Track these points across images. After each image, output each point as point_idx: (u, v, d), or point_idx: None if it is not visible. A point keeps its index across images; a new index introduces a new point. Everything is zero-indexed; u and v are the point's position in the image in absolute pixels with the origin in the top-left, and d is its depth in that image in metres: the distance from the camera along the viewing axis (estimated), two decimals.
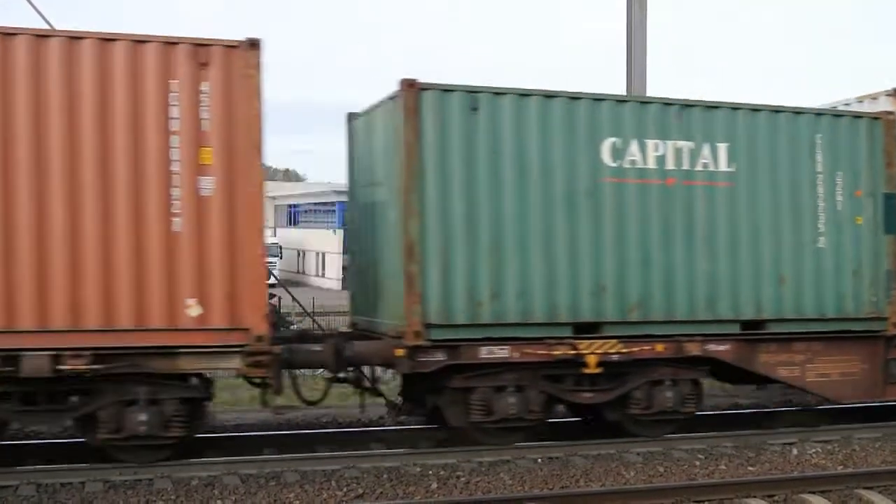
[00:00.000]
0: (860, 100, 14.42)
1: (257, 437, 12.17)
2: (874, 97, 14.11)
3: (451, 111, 11.10)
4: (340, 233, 64.47)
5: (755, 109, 12.37)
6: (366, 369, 12.09)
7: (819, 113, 12.83)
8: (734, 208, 12.20)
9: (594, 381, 11.76)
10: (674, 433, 12.16)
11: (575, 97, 11.60)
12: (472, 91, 11.19)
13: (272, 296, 11.25)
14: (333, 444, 11.83)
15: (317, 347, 11.13)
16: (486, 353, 11.21)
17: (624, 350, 11.61)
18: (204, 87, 10.26)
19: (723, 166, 12.17)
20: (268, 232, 25.81)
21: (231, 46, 10.32)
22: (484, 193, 11.20)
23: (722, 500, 9.38)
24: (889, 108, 13.25)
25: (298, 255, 65.09)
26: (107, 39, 10.04)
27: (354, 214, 13.06)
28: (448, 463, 10.65)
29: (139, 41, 10.13)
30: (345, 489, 9.60)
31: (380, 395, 12.33)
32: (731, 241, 12.19)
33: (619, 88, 16.08)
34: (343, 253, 59.71)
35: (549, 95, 11.51)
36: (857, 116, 13.01)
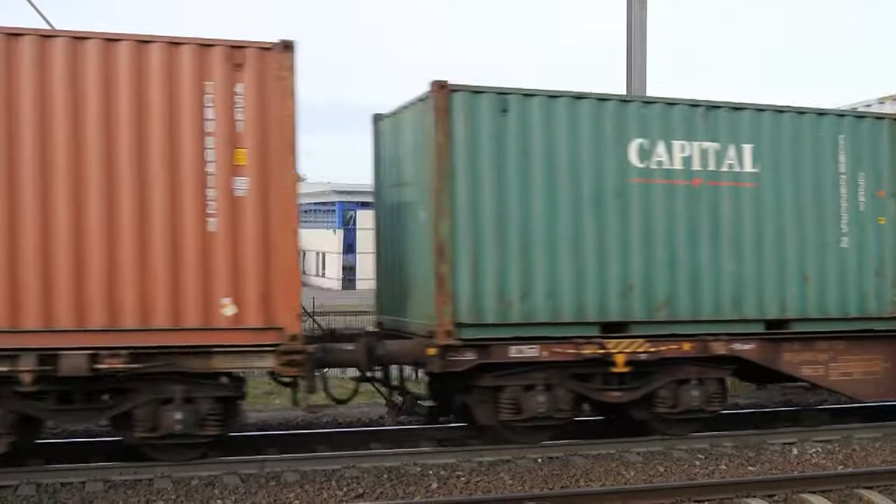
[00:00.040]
0: (882, 101, 14.48)
1: (258, 437, 12.10)
2: None
3: (480, 112, 11.12)
4: (340, 232, 64.51)
5: (780, 111, 12.39)
6: (392, 368, 12.14)
7: (842, 114, 12.87)
8: (759, 209, 12.22)
9: (621, 380, 11.77)
10: (698, 431, 12.21)
11: (603, 98, 11.63)
12: (501, 93, 11.21)
13: None
14: (335, 445, 11.77)
15: (349, 346, 11.14)
16: (516, 352, 11.23)
17: (651, 349, 11.63)
18: (238, 88, 10.26)
19: (748, 167, 12.20)
20: None
21: (265, 48, 10.31)
22: (513, 194, 11.22)
23: (722, 499, 9.34)
24: None
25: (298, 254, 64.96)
26: (143, 41, 10.04)
27: (381, 214, 13.08)
28: (448, 463, 10.63)
29: (175, 43, 10.13)
30: (345, 489, 9.57)
31: (407, 393, 12.36)
32: (756, 242, 12.21)
33: (619, 88, 16.01)
34: (343, 253, 59.74)
35: (578, 97, 11.54)
36: (880, 118, 13.04)
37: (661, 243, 11.81)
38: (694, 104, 12.02)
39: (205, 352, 10.20)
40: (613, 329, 11.65)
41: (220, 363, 10.34)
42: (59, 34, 9.89)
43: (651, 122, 11.80)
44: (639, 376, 11.80)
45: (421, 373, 12.74)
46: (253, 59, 10.30)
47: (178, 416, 10.17)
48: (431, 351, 10.92)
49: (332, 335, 11.83)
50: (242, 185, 10.26)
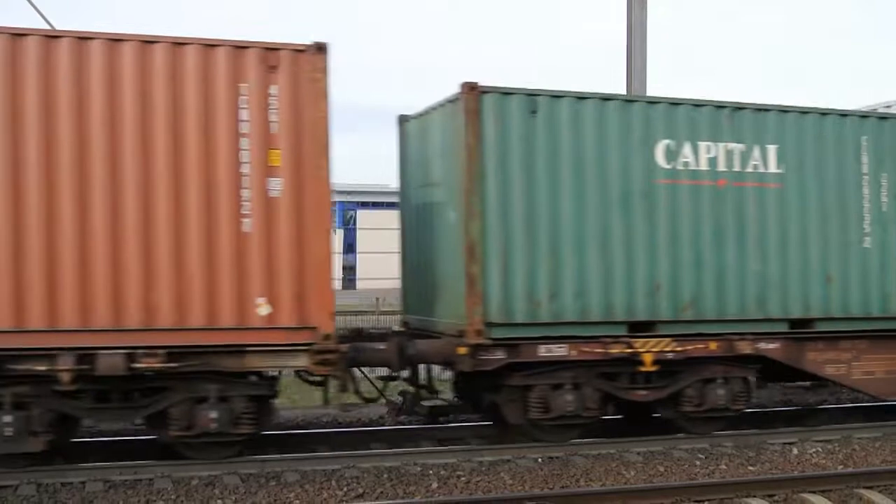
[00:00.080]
0: None
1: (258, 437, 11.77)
2: None
3: (510, 114, 11.15)
4: (340, 232, 64.53)
5: (804, 112, 12.41)
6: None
7: (864, 115, 12.90)
8: (783, 209, 12.24)
9: (648, 379, 11.80)
10: (723, 430, 12.24)
11: (630, 100, 11.70)
12: (531, 94, 11.23)
13: None
14: (335, 445, 11.69)
15: (381, 346, 11.17)
16: (545, 351, 11.25)
17: (678, 348, 11.65)
18: (272, 90, 10.28)
19: (772, 168, 12.23)
20: None
21: (299, 50, 10.32)
22: (542, 195, 11.25)
23: (722, 499, 9.29)
24: None
25: None
26: (179, 43, 10.06)
27: (406, 215, 13.10)
28: (448, 462, 10.57)
29: (210, 45, 10.14)
30: (345, 489, 9.52)
31: (436, 392, 12.39)
32: (780, 242, 12.23)
33: (620, 88, 15.95)
34: (343, 253, 59.72)
35: (606, 98, 11.57)
36: None
37: (688, 244, 11.83)
38: (720, 105, 12.04)
39: (239, 351, 10.21)
40: (640, 328, 11.67)
41: (254, 362, 10.36)
42: (97, 36, 9.89)
43: (677, 123, 11.82)
44: (665, 375, 11.81)
45: (443, 372, 12.79)
46: (287, 60, 10.31)
47: (214, 414, 10.18)
48: (462, 350, 10.94)
49: (360, 334, 11.86)
50: (276, 185, 10.27)
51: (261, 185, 10.23)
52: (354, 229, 61.68)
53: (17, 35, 9.69)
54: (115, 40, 9.91)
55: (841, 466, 10.84)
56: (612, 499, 9.19)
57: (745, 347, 11.98)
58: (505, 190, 11.11)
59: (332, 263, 10.46)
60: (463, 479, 9.98)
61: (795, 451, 11.46)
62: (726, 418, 12.23)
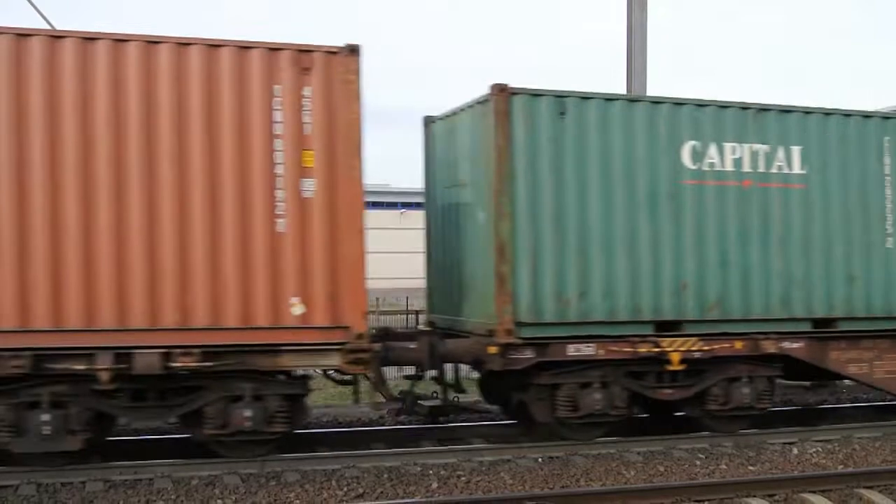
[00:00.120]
0: None
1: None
2: None
3: (539, 115, 11.16)
4: None
5: (827, 113, 12.42)
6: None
7: (887, 117, 12.89)
8: (807, 210, 12.26)
9: (674, 378, 11.83)
10: (747, 428, 12.26)
11: (657, 101, 11.68)
12: (559, 96, 11.25)
13: None
14: (335, 445, 11.60)
15: (412, 345, 11.20)
16: (574, 350, 11.27)
17: (705, 347, 11.67)
18: (306, 91, 10.29)
19: (796, 169, 12.24)
20: None
21: (332, 52, 10.34)
22: (571, 195, 11.26)
23: (722, 499, 9.25)
24: None
25: None
26: (214, 45, 10.08)
27: (432, 215, 13.11)
28: (448, 462, 10.56)
29: (245, 47, 10.16)
30: (345, 489, 9.48)
31: (463, 391, 12.42)
32: (804, 242, 12.25)
33: (620, 89, 15.90)
34: None
35: (633, 100, 11.62)
36: None
37: (713, 244, 11.85)
38: (744, 107, 12.06)
39: (273, 350, 10.23)
40: (667, 328, 11.69)
41: (288, 361, 10.37)
42: (133, 38, 9.91)
43: (703, 124, 11.84)
44: (692, 374, 11.83)
45: (470, 371, 12.81)
46: (320, 62, 10.33)
47: (248, 413, 10.20)
48: (492, 349, 10.96)
49: (387, 334, 11.88)
50: (310, 186, 10.29)
51: (294, 186, 10.25)
52: None
53: (55, 37, 9.79)
54: (153, 43, 9.93)
55: (841, 466, 10.81)
56: (613, 499, 9.16)
57: (769, 347, 12.00)
58: (534, 190, 11.13)
59: (364, 263, 10.48)
60: (463, 478, 9.94)
61: (795, 450, 11.43)
62: (751, 417, 12.24)
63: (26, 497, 9.07)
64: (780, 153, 12.18)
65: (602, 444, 11.42)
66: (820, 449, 11.51)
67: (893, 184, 12.70)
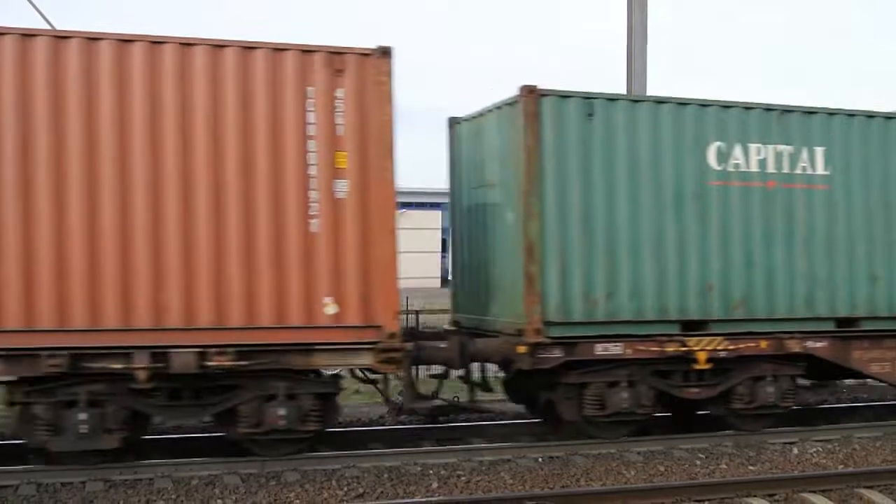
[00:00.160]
0: None
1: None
2: None
3: (568, 116, 11.17)
4: None
5: (850, 115, 12.43)
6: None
7: None
8: (830, 210, 12.27)
9: (699, 377, 11.84)
10: (772, 427, 12.28)
11: (683, 103, 11.68)
12: (587, 97, 11.26)
13: None
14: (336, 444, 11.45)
15: (442, 344, 11.21)
16: (602, 349, 11.28)
17: (731, 347, 11.69)
18: (339, 93, 10.29)
19: (819, 169, 12.25)
20: None
21: (364, 54, 10.35)
22: (599, 196, 11.27)
23: (722, 499, 9.19)
24: None
25: None
26: (248, 47, 10.08)
27: (457, 216, 13.12)
28: (449, 462, 10.50)
29: (278, 49, 10.17)
30: (345, 488, 9.42)
31: (490, 390, 12.44)
32: (827, 242, 12.25)
33: (620, 89, 15.86)
34: None
35: (659, 101, 11.60)
36: None
37: (738, 244, 11.86)
38: (769, 108, 12.08)
39: (307, 349, 10.24)
40: (692, 327, 11.70)
41: (321, 360, 10.38)
42: (168, 40, 9.93)
43: (728, 125, 11.86)
44: (717, 373, 11.84)
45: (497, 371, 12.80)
46: (353, 64, 10.34)
47: (282, 411, 10.20)
48: (522, 349, 10.97)
49: (414, 334, 11.88)
50: (343, 187, 10.30)
51: (328, 187, 10.26)
52: None
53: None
54: (187, 45, 9.93)
55: (841, 466, 10.76)
56: (613, 498, 9.11)
57: (794, 346, 12.02)
58: (563, 191, 11.14)
59: (396, 264, 10.49)
60: (463, 478, 9.88)
61: (796, 450, 11.38)
62: (775, 415, 12.26)
63: (26, 497, 9.01)
64: (804, 154, 12.19)
65: (602, 444, 11.38)
66: (820, 449, 11.45)
67: None
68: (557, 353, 11.18)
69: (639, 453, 11.05)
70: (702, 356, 11.53)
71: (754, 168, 11.96)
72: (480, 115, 12.33)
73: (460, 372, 11.91)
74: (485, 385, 12.33)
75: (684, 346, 11.49)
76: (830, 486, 9.56)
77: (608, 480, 9.93)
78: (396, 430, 12.40)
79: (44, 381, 9.64)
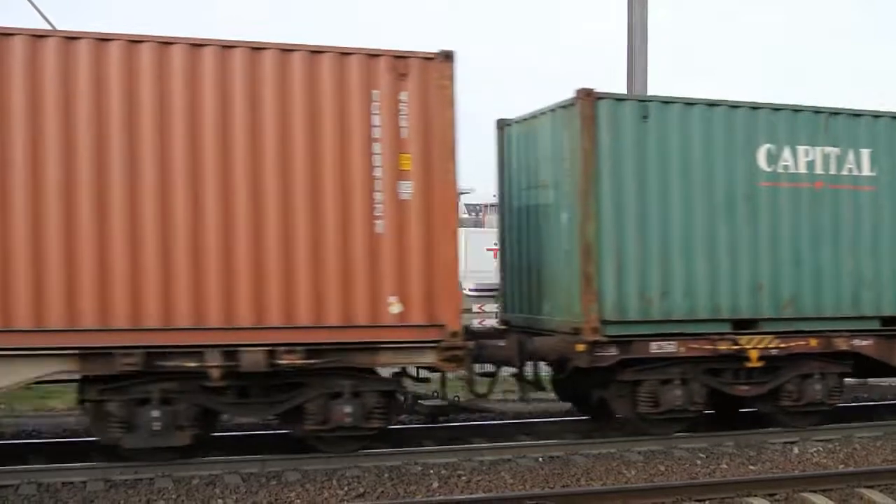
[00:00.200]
0: None
1: (259, 436, 11.80)
2: None
3: (623, 119, 11.28)
4: None
5: (894, 117, 12.57)
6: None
7: None
8: (876, 211, 12.36)
9: (749, 375, 11.95)
10: (818, 424, 12.39)
11: (735, 105, 11.77)
12: (642, 100, 11.42)
13: None
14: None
15: (501, 343, 11.32)
16: (656, 347, 11.38)
17: (781, 345, 11.79)
18: (402, 96, 10.39)
19: (865, 171, 12.35)
20: None
21: (428, 58, 10.46)
22: (653, 197, 11.38)
23: (723, 498, 9.11)
24: None
25: None
26: (315, 52, 10.19)
27: (507, 216, 13.21)
28: (449, 462, 10.45)
29: (344, 53, 10.27)
30: (346, 488, 9.35)
31: (542, 388, 12.55)
32: (873, 242, 12.34)
33: (621, 89, 15.75)
34: None
35: (712, 104, 11.70)
36: None
37: (787, 244, 11.96)
38: (817, 111, 12.19)
39: (372, 348, 10.34)
40: (742, 326, 11.81)
41: (385, 359, 10.48)
42: (239, 44, 10.03)
43: (778, 127, 11.97)
44: (767, 371, 11.93)
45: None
46: (416, 68, 10.43)
47: (348, 409, 10.28)
48: (580, 347, 11.07)
49: (471, 332, 11.96)
50: (407, 188, 10.39)
51: (392, 189, 10.35)
52: None
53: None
54: (257, 49, 10.03)
55: (842, 466, 10.69)
56: (613, 498, 9.06)
57: (841, 344, 12.12)
58: (618, 192, 11.24)
59: (458, 263, 10.59)
60: (464, 478, 9.82)
61: (796, 450, 11.33)
62: (821, 413, 12.37)
63: (27, 497, 8.96)
64: (850, 156, 12.30)
65: (603, 444, 11.38)
66: (821, 448, 11.41)
67: None
68: (613, 352, 11.28)
69: (639, 453, 11.00)
70: (754, 354, 11.64)
71: (802, 169, 12.07)
72: (533, 116, 12.44)
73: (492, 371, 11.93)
74: (538, 383, 12.44)
75: (736, 344, 11.60)
76: (831, 486, 9.50)
77: (609, 480, 9.88)
78: (397, 431, 12.25)
79: (117, 379, 9.75)
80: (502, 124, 13.23)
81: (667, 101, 11.49)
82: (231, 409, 10.38)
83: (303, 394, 10.32)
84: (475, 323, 14.78)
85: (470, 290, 17.92)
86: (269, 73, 10.02)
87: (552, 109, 11.90)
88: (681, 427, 11.80)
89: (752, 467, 10.57)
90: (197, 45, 9.91)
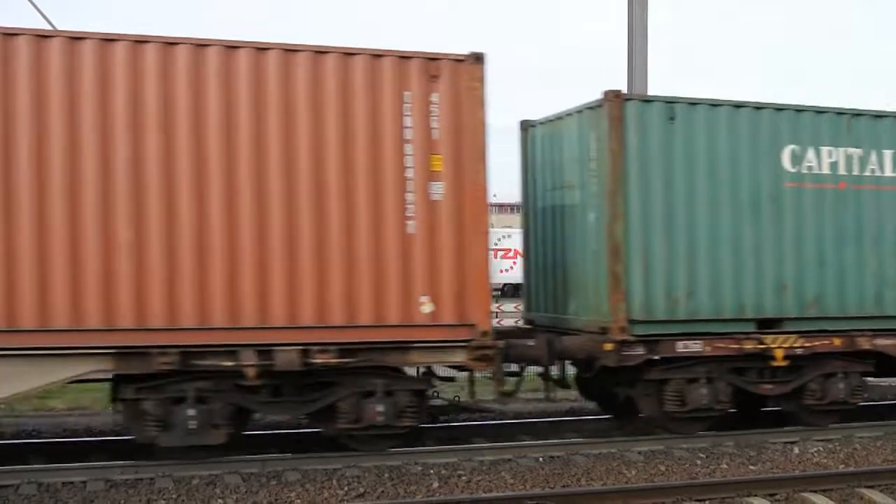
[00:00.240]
0: None
1: (259, 436, 11.70)
2: None
3: (651, 120, 11.29)
4: None
5: None
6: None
7: None
8: None
9: (773, 374, 11.97)
10: (839, 423, 12.41)
11: (759, 107, 11.79)
12: (669, 101, 11.39)
13: None
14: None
15: (530, 342, 11.34)
16: (682, 347, 11.39)
17: (806, 344, 11.81)
18: (434, 98, 10.40)
19: (888, 171, 12.37)
20: None
21: (458, 60, 10.45)
22: (680, 197, 11.39)
23: (723, 498, 9.07)
24: None
25: None
26: (349, 53, 10.21)
27: (531, 216, 13.23)
28: (449, 462, 10.39)
29: (377, 55, 10.29)
30: (346, 488, 9.31)
31: (568, 387, 12.57)
32: (895, 242, 12.43)
33: (620, 89, 15.67)
34: None
35: (737, 105, 11.71)
36: None
37: (811, 244, 11.97)
38: (840, 112, 12.20)
39: (404, 347, 10.36)
40: (767, 325, 11.83)
41: (417, 358, 10.49)
42: (272, 46, 10.02)
43: (802, 129, 11.99)
44: (790, 370, 11.94)
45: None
46: (447, 70, 10.44)
47: (381, 408, 10.29)
48: (609, 346, 11.09)
49: (499, 331, 11.97)
50: (438, 189, 10.41)
51: (423, 189, 10.36)
52: None
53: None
54: (291, 51, 10.06)
55: (842, 466, 10.64)
56: (613, 498, 9.02)
57: (864, 343, 12.13)
58: (646, 193, 11.25)
59: (488, 263, 10.62)
60: (464, 478, 9.78)
61: (796, 450, 11.28)
62: (844, 411, 12.38)
63: (27, 496, 8.93)
64: (873, 157, 12.31)
65: (603, 444, 11.35)
66: (821, 448, 11.37)
67: None
68: (640, 351, 11.29)
69: (639, 453, 10.94)
70: (779, 353, 11.65)
71: (826, 170, 12.08)
72: (558, 118, 12.45)
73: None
74: (563, 382, 12.45)
75: (762, 343, 11.62)
76: (831, 486, 9.46)
77: (609, 480, 9.84)
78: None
79: (154, 377, 9.77)
80: (526, 125, 13.24)
81: (693, 103, 11.51)
82: (264, 407, 10.38)
83: (335, 393, 10.33)
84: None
85: None
86: (301, 75, 10.03)
87: (579, 111, 11.92)
88: (704, 426, 11.81)
89: (752, 467, 10.54)
90: (233, 48, 9.92)
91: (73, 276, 9.41)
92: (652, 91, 15.06)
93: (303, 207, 10.01)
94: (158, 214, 9.63)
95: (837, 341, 12.00)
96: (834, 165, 12.13)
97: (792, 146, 11.91)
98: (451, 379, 11.84)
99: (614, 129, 11.13)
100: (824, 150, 12.07)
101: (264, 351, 9.86)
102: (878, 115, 12.40)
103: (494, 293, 15.77)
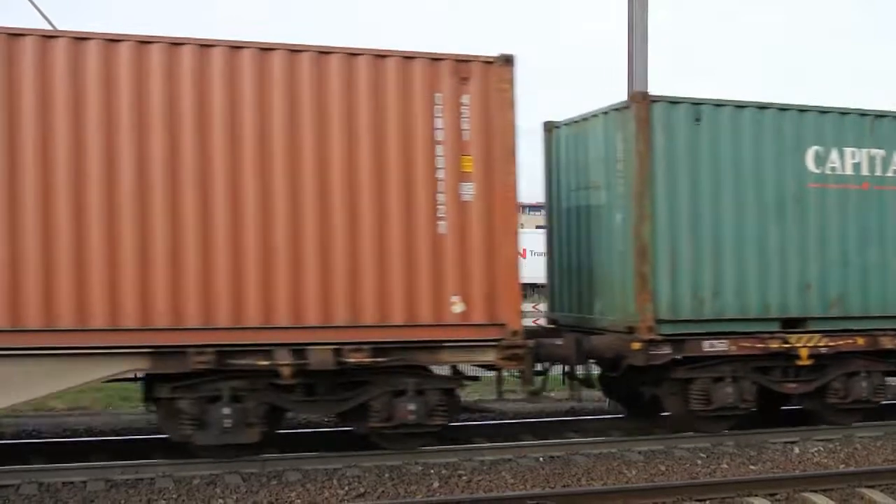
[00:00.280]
0: None
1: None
2: None
3: (677, 122, 11.33)
4: None
5: None
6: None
7: None
8: None
9: (797, 373, 12.01)
10: (861, 421, 12.46)
11: (784, 108, 11.83)
12: (695, 103, 11.42)
13: None
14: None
15: (559, 342, 11.38)
16: (708, 346, 11.43)
17: (830, 343, 11.85)
18: (464, 99, 10.43)
19: None
20: None
21: (488, 62, 10.48)
22: (706, 198, 11.43)
23: (724, 498, 9.02)
24: None
25: None
26: (380, 56, 10.25)
27: (555, 217, 13.26)
28: (450, 461, 10.35)
29: (408, 57, 10.32)
30: (346, 488, 9.27)
31: (593, 387, 12.61)
32: None
33: (620, 89, 15.74)
34: None
35: (762, 107, 11.75)
36: None
37: (835, 244, 12.02)
38: (863, 114, 12.24)
39: (435, 346, 10.39)
40: (791, 325, 11.87)
41: (447, 357, 10.52)
42: (305, 48, 10.06)
43: (826, 130, 12.03)
44: (814, 369, 11.98)
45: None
46: (477, 72, 10.47)
47: (412, 406, 10.31)
48: (636, 346, 11.12)
49: (528, 331, 11.99)
50: (469, 190, 10.44)
51: (454, 190, 10.40)
52: None
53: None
54: (324, 53, 10.10)
55: (842, 465, 10.60)
56: (614, 498, 8.98)
57: (887, 343, 12.17)
58: (672, 194, 11.29)
59: (519, 263, 10.65)
60: (464, 478, 9.75)
61: (797, 450, 11.26)
62: (866, 409, 12.41)
63: (28, 496, 8.88)
64: (895, 157, 12.39)
65: (603, 444, 11.35)
66: (821, 448, 11.35)
67: None
68: (667, 350, 11.33)
69: (640, 453, 10.91)
70: (804, 352, 11.70)
71: (849, 171, 12.13)
72: (583, 119, 12.49)
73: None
74: (588, 382, 12.50)
75: (786, 342, 11.66)
76: (832, 486, 9.42)
77: (609, 480, 9.80)
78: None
79: (188, 377, 9.81)
80: (550, 126, 13.28)
81: (718, 104, 11.54)
82: (298, 406, 10.41)
83: (367, 391, 10.36)
84: None
85: None
86: (334, 77, 10.06)
87: (604, 112, 11.96)
88: (729, 425, 11.85)
89: (752, 467, 10.53)
90: (267, 50, 9.96)
91: (111, 276, 9.45)
92: (652, 91, 15.01)
93: (336, 208, 10.05)
94: (194, 216, 9.66)
95: (861, 340, 12.04)
96: (857, 166, 12.17)
97: (816, 147, 11.95)
98: (476, 378, 11.87)
99: (641, 130, 11.17)
100: (848, 151, 12.12)
101: (298, 350, 9.90)
102: None
103: None
